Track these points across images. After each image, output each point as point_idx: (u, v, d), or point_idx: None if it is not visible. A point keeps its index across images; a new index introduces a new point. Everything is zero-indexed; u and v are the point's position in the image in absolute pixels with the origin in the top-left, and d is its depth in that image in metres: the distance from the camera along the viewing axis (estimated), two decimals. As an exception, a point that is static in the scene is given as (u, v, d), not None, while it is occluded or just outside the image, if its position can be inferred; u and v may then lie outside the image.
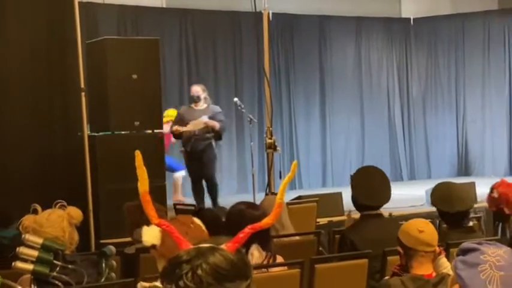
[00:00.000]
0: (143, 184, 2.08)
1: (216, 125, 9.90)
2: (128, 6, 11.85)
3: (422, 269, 3.78)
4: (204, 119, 9.86)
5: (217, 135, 10.03)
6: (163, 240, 3.00)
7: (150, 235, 3.10)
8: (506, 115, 14.18)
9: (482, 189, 7.57)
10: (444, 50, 14.54)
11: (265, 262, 4.40)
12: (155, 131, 8.26)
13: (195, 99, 10.07)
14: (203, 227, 3.33)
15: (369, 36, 14.15)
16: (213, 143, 9.97)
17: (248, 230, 2.05)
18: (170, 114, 10.92)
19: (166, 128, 10.80)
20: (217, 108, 10.17)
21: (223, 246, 1.91)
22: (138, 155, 2.06)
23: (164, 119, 10.93)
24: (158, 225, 2.22)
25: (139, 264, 5.01)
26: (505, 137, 14.19)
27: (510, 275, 2.13)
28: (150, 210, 2.11)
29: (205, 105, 10.06)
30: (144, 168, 2.07)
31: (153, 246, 3.12)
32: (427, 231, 3.79)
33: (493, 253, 2.16)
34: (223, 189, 12.55)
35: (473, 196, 8.74)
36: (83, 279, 3.73)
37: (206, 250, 1.87)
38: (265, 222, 2.15)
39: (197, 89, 10.16)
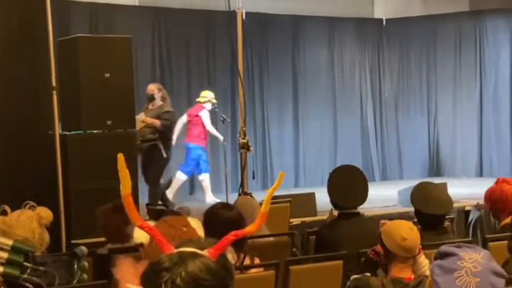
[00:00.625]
0: (125, 187, 2.05)
1: (156, 122, 9.60)
2: (101, 4, 11.76)
3: (402, 272, 3.77)
4: (142, 117, 9.66)
5: (162, 136, 9.67)
6: (151, 241, 2.96)
7: (142, 233, 3.06)
8: (477, 117, 14.30)
9: (454, 190, 7.61)
10: (416, 52, 14.63)
11: (238, 264, 4.38)
12: (127, 130, 8.18)
13: (149, 98, 9.92)
14: (199, 230, 3.28)
15: (342, 37, 14.19)
16: (159, 144, 9.63)
17: (231, 236, 2.03)
18: (207, 95, 11.03)
19: (205, 111, 11.00)
20: (166, 107, 9.84)
21: (205, 252, 1.88)
22: (120, 157, 2.03)
23: (203, 100, 11.10)
24: (140, 227, 2.19)
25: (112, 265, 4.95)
26: (475, 138, 14.30)
27: (486, 281, 2.13)
28: (133, 212, 2.08)
29: (160, 104, 9.85)
30: (127, 170, 2.04)
31: (141, 245, 3.10)
32: (410, 239, 3.75)
33: (470, 258, 2.16)
34: (198, 190, 12.53)
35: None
36: (54, 281, 3.68)
37: (187, 257, 1.86)
38: (249, 230, 2.15)
39: (152, 88, 9.98)
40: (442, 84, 14.59)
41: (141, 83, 11.75)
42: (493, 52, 14.29)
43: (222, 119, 10.72)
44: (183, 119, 11.08)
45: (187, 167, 11.04)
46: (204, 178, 11.09)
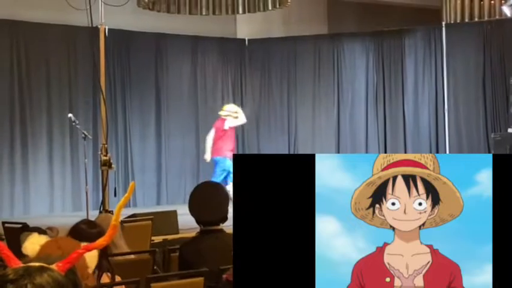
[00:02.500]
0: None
1: None
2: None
3: None
4: None
5: None
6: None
7: (31, 246, 3.00)
8: (335, 136, 14.76)
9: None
10: (277, 71, 14.95)
11: (95, 282, 4.35)
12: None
13: None
14: (90, 261, 3.20)
15: (205, 55, 14.31)
16: None
17: (82, 250, 2.02)
18: (228, 109, 11.61)
19: (227, 124, 11.42)
20: None
21: (54, 266, 1.87)
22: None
23: (223, 114, 11.12)
24: None
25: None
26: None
27: None
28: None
29: None
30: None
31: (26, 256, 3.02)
32: None
33: None
34: (57, 207, 12.29)
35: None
36: None
37: (34, 270, 1.82)
38: (100, 243, 2.12)
39: None
40: (301, 102, 14.97)
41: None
42: (350, 73, 14.85)
43: (83, 135, 10.57)
44: (211, 133, 11.91)
45: (216, 179, 11.25)
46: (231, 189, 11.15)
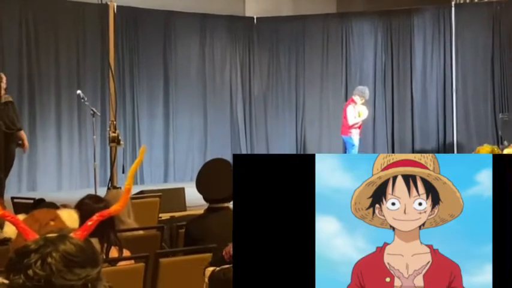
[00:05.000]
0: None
1: None
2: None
3: None
4: None
5: None
6: (18, 234, 2.93)
7: (10, 227, 3.02)
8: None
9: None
10: (285, 50, 14.91)
11: (103, 255, 4.39)
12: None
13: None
14: (72, 223, 3.24)
15: (213, 34, 14.28)
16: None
17: (96, 217, 2.05)
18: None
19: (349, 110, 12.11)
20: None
21: (72, 234, 1.91)
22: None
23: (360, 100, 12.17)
24: (2, 216, 2.18)
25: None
26: (339, 135, 14.73)
27: None
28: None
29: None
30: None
31: (9, 239, 3.06)
32: None
33: None
34: (65, 184, 12.35)
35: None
36: None
37: (55, 239, 1.86)
38: (114, 209, 2.15)
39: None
40: (309, 82, 14.95)
41: (8, 75, 11.45)
42: (358, 52, 14.80)
43: (91, 112, 10.59)
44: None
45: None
46: None
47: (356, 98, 12.22)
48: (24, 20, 12.11)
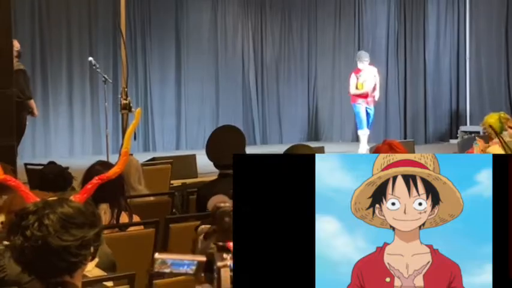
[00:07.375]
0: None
1: None
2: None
3: None
4: None
5: None
6: (13, 196, 2.92)
7: None
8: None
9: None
10: (297, 17, 14.82)
11: (113, 221, 4.43)
12: (4, 89, 7.94)
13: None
14: None
15: (225, 0, 14.19)
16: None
17: (96, 180, 2.08)
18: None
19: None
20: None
21: (71, 197, 1.95)
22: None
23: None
24: (3, 180, 2.21)
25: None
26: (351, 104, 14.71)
27: None
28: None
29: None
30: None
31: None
32: None
33: None
34: (77, 150, 12.41)
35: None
36: None
37: (54, 202, 1.93)
38: (113, 171, 2.18)
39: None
40: (322, 49, 14.89)
41: (20, 42, 11.45)
42: (371, 19, 14.69)
43: (103, 79, 10.60)
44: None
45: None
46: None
47: (359, 64, 12.21)
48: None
